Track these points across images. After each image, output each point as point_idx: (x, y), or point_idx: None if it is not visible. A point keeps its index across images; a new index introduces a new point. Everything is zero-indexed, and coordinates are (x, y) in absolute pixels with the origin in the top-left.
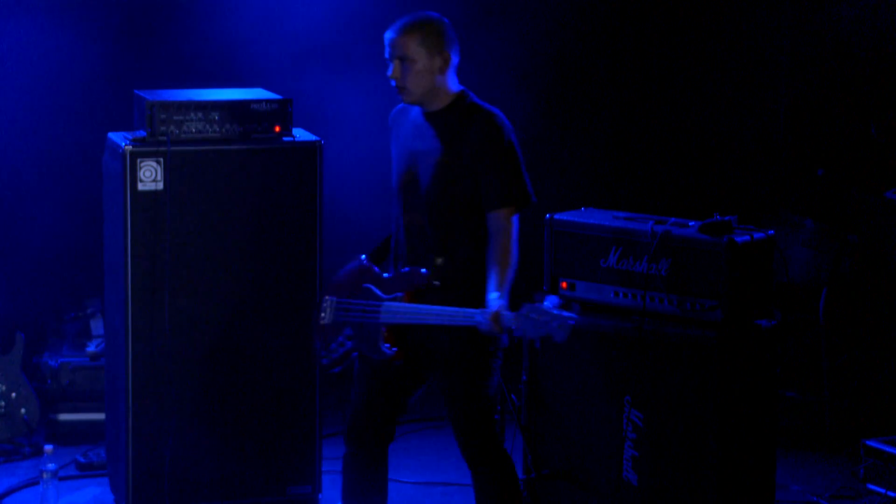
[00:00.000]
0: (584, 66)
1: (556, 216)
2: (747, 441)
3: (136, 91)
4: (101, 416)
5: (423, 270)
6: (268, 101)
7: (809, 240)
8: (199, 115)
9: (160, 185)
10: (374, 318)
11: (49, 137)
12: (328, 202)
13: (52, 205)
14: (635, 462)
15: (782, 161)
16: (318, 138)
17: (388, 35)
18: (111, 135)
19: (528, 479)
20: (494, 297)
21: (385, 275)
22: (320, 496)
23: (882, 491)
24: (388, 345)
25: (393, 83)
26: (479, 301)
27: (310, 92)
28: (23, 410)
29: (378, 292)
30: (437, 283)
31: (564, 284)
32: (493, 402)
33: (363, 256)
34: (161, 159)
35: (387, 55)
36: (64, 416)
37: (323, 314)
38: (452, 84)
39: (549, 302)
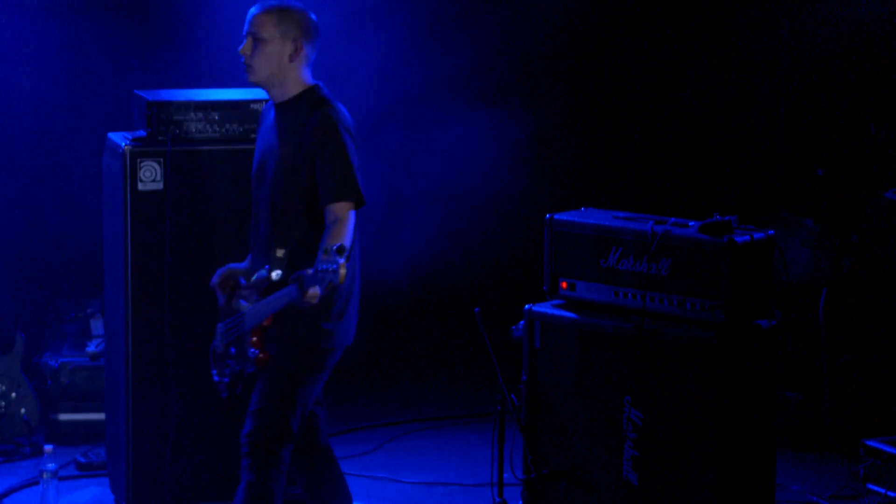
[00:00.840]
0: (583, 65)
1: (556, 216)
2: (747, 441)
3: (136, 91)
4: (100, 416)
5: (265, 268)
6: (267, 100)
7: (809, 240)
8: (200, 115)
9: (160, 185)
10: (240, 330)
11: (49, 137)
12: None
13: (53, 205)
14: (635, 462)
15: (782, 161)
16: None
17: (251, 11)
18: (111, 135)
19: (528, 479)
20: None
21: (243, 282)
22: None
23: (882, 491)
24: (253, 349)
25: (242, 59)
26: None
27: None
28: (23, 410)
29: (244, 303)
30: (274, 276)
31: (564, 284)
32: (299, 404)
33: (221, 269)
34: (161, 159)
35: (244, 31)
36: (64, 416)
37: (215, 343)
38: (304, 76)
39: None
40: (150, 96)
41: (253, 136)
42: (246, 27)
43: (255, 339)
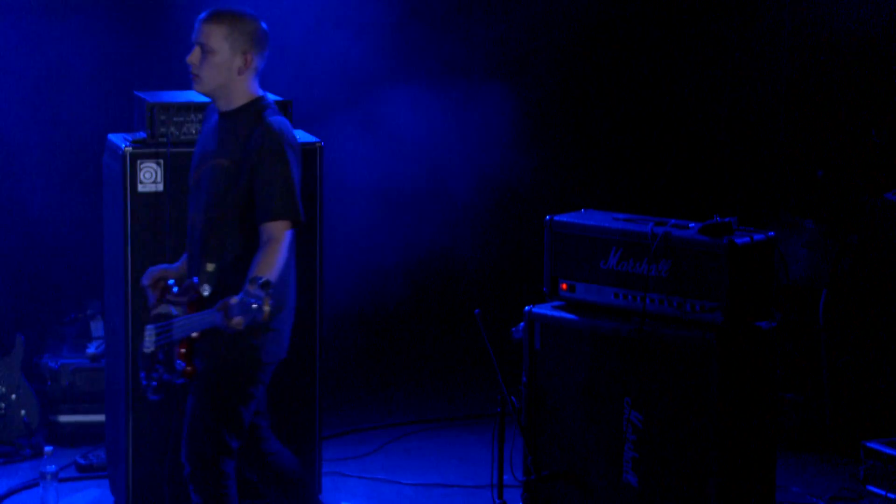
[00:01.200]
0: (583, 66)
1: (556, 218)
2: (747, 442)
3: (136, 92)
4: (101, 417)
5: (195, 280)
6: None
7: (809, 241)
8: (199, 116)
9: (160, 187)
10: (168, 338)
11: (49, 138)
12: (328, 204)
13: (53, 206)
14: (635, 463)
15: (782, 162)
16: (318, 140)
17: (199, 18)
18: (111, 136)
19: (528, 481)
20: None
21: (174, 289)
22: (321, 497)
23: (882, 493)
24: (180, 361)
25: (189, 68)
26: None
27: (310, 93)
28: (23, 412)
29: (173, 311)
30: (205, 291)
31: (565, 286)
32: (235, 417)
33: (153, 269)
34: (161, 161)
35: (192, 38)
36: (64, 418)
37: (144, 343)
38: (252, 87)
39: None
40: (150, 98)
41: None
42: (194, 35)
43: (182, 350)
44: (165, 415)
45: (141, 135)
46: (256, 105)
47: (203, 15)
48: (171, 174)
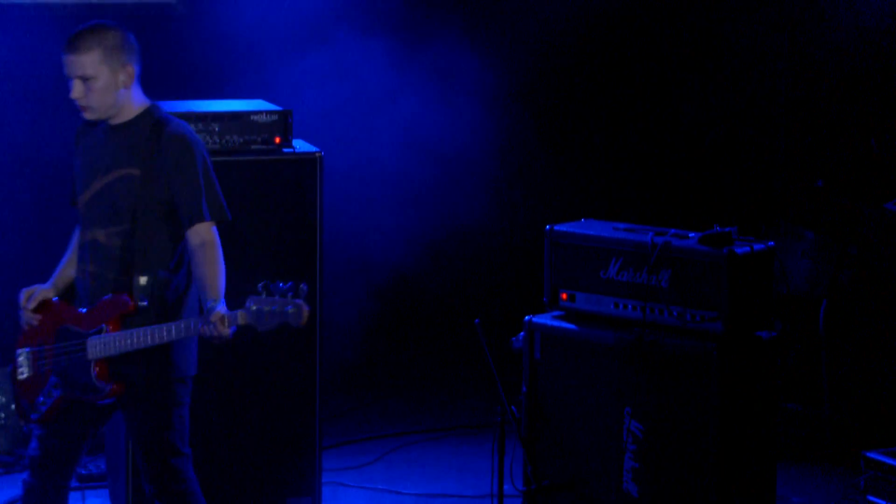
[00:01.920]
0: (582, 76)
1: (556, 227)
2: (748, 452)
3: None
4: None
5: (125, 296)
6: (268, 112)
7: (809, 251)
8: (199, 126)
9: None
10: (80, 358)
11: (48, 145)
12: (328, 214)
13: (53, 215)
14: (635, 473)
15: (782, 172)
16: (318, 150)
17: (66, 55)
18: None
19: (529, 491)
20: (212, 305)
21: (81, 309)
22: None
23: (883, 503)
24: (102, 381)
25: (76, 103)
26: (194, 313)
27: (310, 103)
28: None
29: (78, 330)
30: (144, 302)
31: (565, 296)
32: (178, 430)
33: (33, 290)
34: None
35: (66, 73)
36: None
37: (21, 369)
38: (137, 95)
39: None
40: None
41: (253, 146)
42: (66, 69)
43: (98, 369)
44: None
45: None
46: (152, 114)
47: (68, 50)
48: None
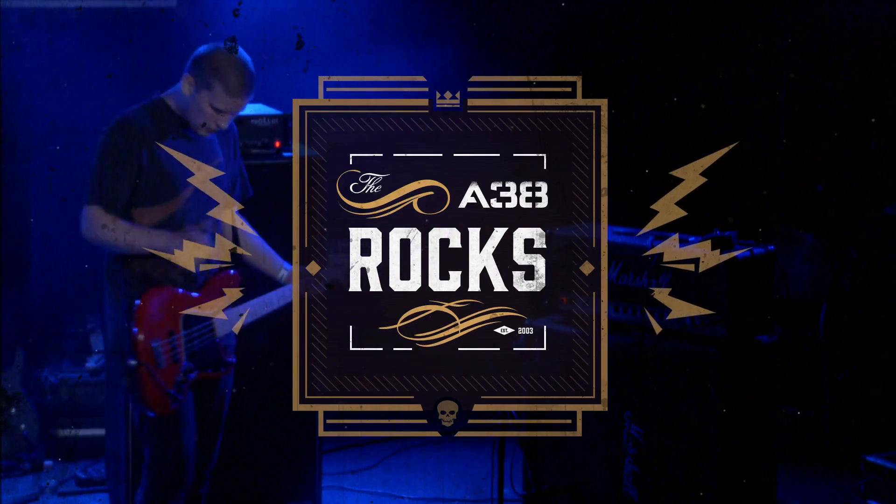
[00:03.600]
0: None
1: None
2: (748, 456)
3: None
4: (100, 431)
5: (231, 271)
6: (268, 116)
7: (809, 255)
8: None
9: None
10: (210, 339)
11: (50, 151)
12: None
13: (53, 220)
14: (636, 477)
15: (782, 176)
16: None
17: (245, 99)
18: None
19: (529, 495)
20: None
21: (193, 294)
22: None
23: None
24: (228, 356)
25: (204, 128)
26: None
27: None
28: (23, 426)
29: (200, 313)
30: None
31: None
32: None
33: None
34: None
35: (224, 108)
36: (64, 432)
37: (158, 360)
38: None
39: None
40: None
41: (253, 150)
42: (233, 109)
43: (224, 346)
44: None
45: None
46: None
47: (248, 90)
48: None
